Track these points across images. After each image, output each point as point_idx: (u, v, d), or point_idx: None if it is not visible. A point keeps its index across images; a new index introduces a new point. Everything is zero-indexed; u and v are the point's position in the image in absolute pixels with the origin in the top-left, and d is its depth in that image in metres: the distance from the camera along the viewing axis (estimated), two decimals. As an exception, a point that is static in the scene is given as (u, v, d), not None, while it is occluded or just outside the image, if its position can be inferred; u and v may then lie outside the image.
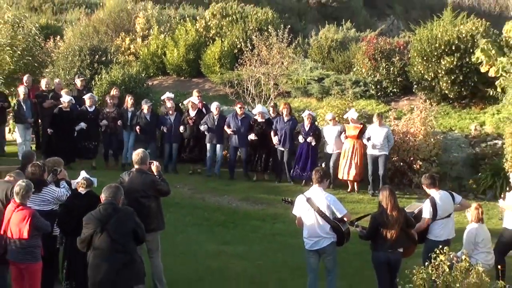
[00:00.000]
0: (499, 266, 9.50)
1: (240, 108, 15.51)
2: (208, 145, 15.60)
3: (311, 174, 14.20)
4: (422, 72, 16.45)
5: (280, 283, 10.06)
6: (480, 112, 16.18)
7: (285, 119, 15.04)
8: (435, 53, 16.22)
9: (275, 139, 14.94)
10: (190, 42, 20.72)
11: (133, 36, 22.24)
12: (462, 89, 16.23)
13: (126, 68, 18.89)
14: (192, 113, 15.68)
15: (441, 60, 16.09)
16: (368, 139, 14.17)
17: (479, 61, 14.69)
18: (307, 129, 14.68)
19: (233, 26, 21.20)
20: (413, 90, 17.19)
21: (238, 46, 19.34)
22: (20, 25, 20.24)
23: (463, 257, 8.88)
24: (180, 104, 16.76)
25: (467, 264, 8.63)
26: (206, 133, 15.39)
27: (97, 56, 18.96)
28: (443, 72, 16.08)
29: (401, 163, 14.65)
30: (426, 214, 9.39)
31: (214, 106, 15.58)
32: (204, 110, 16.14)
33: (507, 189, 10.45)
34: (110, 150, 16.25)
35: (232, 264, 10.77)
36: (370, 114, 16.56)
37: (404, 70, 17.19)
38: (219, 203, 14.25)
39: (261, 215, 13.44)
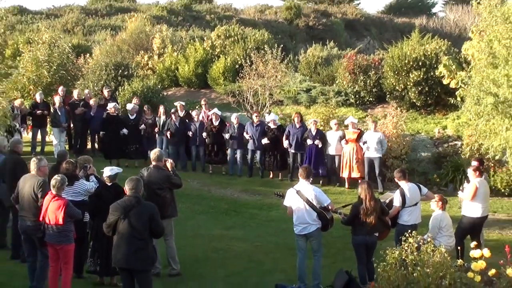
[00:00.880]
0: (458, 248, 9.47)
1: (256, 116, 15.51)
2: (229, 150, 15.59)
3: (318, 172, 14.35)
4: (394, 84, 16.46)
5: (274, 261, 10.04)
6: (443, 117, 16.23)
7: (297, 125, 14.90)
8: (405, 68, 16.24)
9: (285, 143, 14.83)
10: (198, 58, 20.71)
11: (151, 54, 22.25)
12: (428, 98, 16.29)
13: (145, 80, 18.90)
14: (216, 122, 15.63)
15: (410, 74, 16.12)
16: (364, 142, 14.11)
17: (442, 74, 14.64)
18: (314, 133, 14.54)
19: (234, 46, 21.20)
20: (386, 99, 17.16)
21: (239, 62, 19.31)
22: (56, 44, 20.23)
23: (429, 239, 8.83)
24: (190, 111, 16.70)
25: (432, 246, 8.59)
26: (229, 139, 15.40)
27: (120, 71, 18.98)
28: (411, 84, 16.11)
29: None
30: (397, 202, 9.42)
31: (233, 117, 15.67)
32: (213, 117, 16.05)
33: (465, 182, 10.40)
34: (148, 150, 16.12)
35: (233, 245, 10.80)
36: (346, 117, 16.58)
37: (379, 82, 17.17)
38: (223, 194, 14.26)
39: (258, 205, 13.46)
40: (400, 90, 16.37)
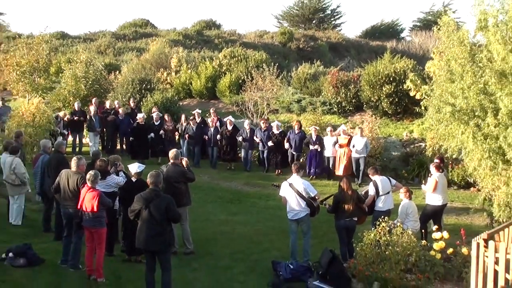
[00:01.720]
0: (422, 231, 9.48)
1: (263, 123, 15.46)
2: (243, 151, 15.56)
3: (317, 171, 14.23)
4: (370, 95, 16.45)
5: (271, 242, 10.05)
6: (410, 123, 16.21)
7: (296, 131, 14.87)
8: (379, 83, 16.23)
9: (286, 145, 14.84)
10: (208, 75, 20.70)
11: (169, 71, 22.25)
12: (397, 108, 16.29)
13: (164, 93, 18.88)
14: (229, 127, 15.63)
15: (383, 87, 16.11)
16: (353, 146, 14.07)
17: (409, 88, 14.67)
18: (314, 139, 14.50)
19: (238, 64, 21.20)
20: (363, 108, 17.12)
21: (242, 78, 19.24)
22: (91, 63, 20.27)
23: (398, 224, 8.87)
24: (206, 119, 16.66)
25: (401, 229, 8.60)
26: (242, 142, 15.39)
27: (144, 85, 18.97)
28: (384, 96, 16.11)
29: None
30: (371, 192, 9.49)
31: (246, 124, 15.70)
32: (218, 122, 16.04)
33: (428, 176, 10.41)
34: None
35: (237, 229, 10.80)
36: (334, 124, 16.53)
37: (357, 94, 17.14)
38: (229, 186, 14.25)
39: (257, 195, 13.45)
40: (374, 100, 16.39)
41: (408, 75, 15.44)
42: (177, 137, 16.23)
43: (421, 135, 15.01)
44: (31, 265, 8.10)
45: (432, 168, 10.14)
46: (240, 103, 18.34)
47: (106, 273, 7.91)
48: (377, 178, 9.53)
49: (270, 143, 15.06)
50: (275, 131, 15.27)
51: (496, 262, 7.46)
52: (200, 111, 16.69)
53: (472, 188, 12.67)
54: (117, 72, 21.82)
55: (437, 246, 8.57)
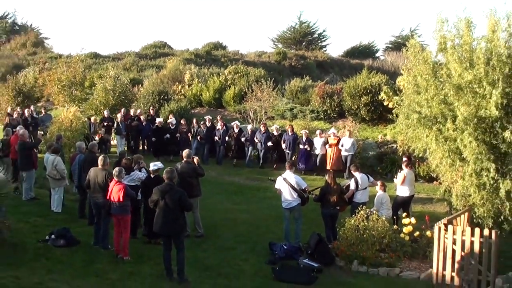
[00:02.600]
0: (394, 217, 9.47)
1: (263, 126, 15.41)
2: (246, 149, 15.48)
3: (306, 167, 14.20)
4: (350, 104, 16.36)
5: (267, 226, 10.03)
6: (384, 128, 16.10)
7: (289, 133, 14.78)
8: (358, 94, 16.15)
9: (283, 145, 14.78)
10: (216, 87, 20.59)
11: (183, 84, 22.13)
12: (373, 115, 16.17)
13: (179, 102, 18.86)
14: (236, 130, 15.66)
15: (361, 98, 16.02)
16: (342, 145, 14.02)
17: (383, 98, 14.61)
18: (304, 140, 14.45)
19: (241, 79, 21.11)
20: (345, 115, 17.04)
21: (244, 90, 19.20)
22: (118, 78, 20.23)
23: (374, 212, 8.86)
24: (214, 123, 16.60)
25: (376, 216, 8.61)
26: (245, 142, 15.34)
27: (162, 96, 18.99)
28: (362, 105, 16.02)
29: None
30: (352, 186, 9.43)
31: (248, 127, 15.66)
32: (225, 127, 16.02)
33: (399, 172, 10.37)
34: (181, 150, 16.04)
35: (239, 216, 10.76)
36: (321, 128, 16.48)
37: (340, 104, 17.06)
38: (232, 180, 14.18)
39: (257, 187, 13.37)
40: (354, 109, 16.29)
41: (382, 88, 15.36)
42: (190, 138, 16.18)
43: (393, 138, 14.93)
44: (69, 245, 8.12)
45: (403, 165, 10.13)
46: (242, 111, 18.34)
47: (131, 252, 7.93)
48: (357, 175, 9.51)
49: (269, 143, 15.02)
50: (275, 133, 15.27)
51: (454, 243, 7.49)
52: (210, 117, 16.67)
53: (435, 182, 12.66)
54: (140, 85, 21.80)
55: (406, 230, 8.58)
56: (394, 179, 10.35)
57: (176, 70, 23.36)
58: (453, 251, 7.45)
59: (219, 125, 15.91)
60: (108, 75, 20.17)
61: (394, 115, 9.70)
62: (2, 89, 21.96)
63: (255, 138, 15.27)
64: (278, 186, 8.99)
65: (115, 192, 7.72)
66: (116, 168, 7.93)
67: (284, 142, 14.85)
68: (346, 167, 13.94)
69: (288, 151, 14.80)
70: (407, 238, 8.51)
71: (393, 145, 14.77)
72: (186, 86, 21.95)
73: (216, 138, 15.68)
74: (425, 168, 12.86)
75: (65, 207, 10.24)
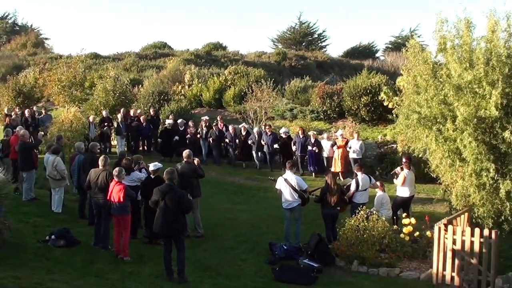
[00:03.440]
0: (394, 217, 9.48)
1: (268, 129, 15.36)
2: (253, 152, 15.38)
3: (315, 169, 14.15)
4: (350, 105, 16.35)
5: (268, 227, 10.05)
6: (384, 128, 16.10)
7: (300, 136, 14.66)
8: (358, 94, 16.14)
9: (294, 147, 14.68)
10: (216, 88, 20.58)
11: (183, 85, 22.10)
12: (373, 115, 16.16)
13: (179, 103, 18.80)
14: (243, 132, 15.66)
15: (361, 98, 16.00)
16: (350, 147, 13.93)
17: (383, 99, 14.64)
18: (313, 142, 14.35)
19: (241, 79, 21.10)
20: (345, 115, 17.01)
21: (244, 90, 19.20)
22: (118, 78, 20.27)
23: (374, 212, 8.86)
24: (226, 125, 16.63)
25: (376, 216, 8.61)
26: (252, 145, 15.30)
27: (162, 96, 18.93)
28: (362, 105, 16.00)
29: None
30: (353, 187, 9.42)
31: (255, 130, 15.60)
32: (224, 128, 15.99)
33: (396, 171, 10.36)
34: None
35: (240, 216, 10.79)
36: (320, 129, 16.48)
37: (340, 104, 17.04)
38: (233, 181, 14.21)
39: (257, 188, 13.39)
40: (354, 109, 16.28)
41: (382, 88, 15.40)
42: (201, 140, 16.06)
43: (393, 138, 14.94)
44: (70, 245, 8.11)
45: (402, 165, 10.13)
46: (242, 111, 18.34)
47: (131, 252, 7.92)
48: (359, 176, 9.50)
49: (276, 146, 14.90)
50: (283, 135, 15.11)
51: (454, 243, 7.49)
52: (220, 117, 16.73)
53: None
54: (140, 85, 21.78)
55: (406, 230, 8.58)
56: (394, 180, 10.34)
57: (176, 71, 23.34)
58: (453, 251, 7.45)
59: (230, 128, 15.91)
60: (108, 76, 20.16)
61: (394, 115, 9.71)
62: (2, 89, 21.98)
63: (261, 141, 15.17)
64: (279, 186, 8.99)
65: (116, 193, 7.72)
66: (116, 169, 7.92)
67: (294, 145, 14.75)
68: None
69: (299, 154, 14.69)
70: (407, 238, 8.51)
71: (393, 145, 14.76)
72: (186, 87, 21.93)
73: (227, 140, 15.68)
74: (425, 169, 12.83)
75: (65, 208, 10.23)
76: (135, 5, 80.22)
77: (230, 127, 15.96)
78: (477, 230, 7.31)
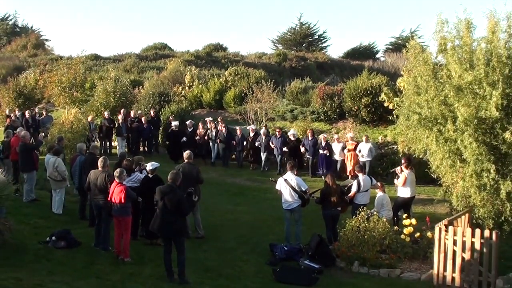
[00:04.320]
0: (395, 218, 9.46)
1: (278, 132, 15.29)
2: (262, 154, 15.33)
3: (327, 172, 13.88)
4: (351, 106, 16.34)
5: (268, 227, 10.04)
6: (384, 129, 16.10)
7: (310, 138, 14.62)
8: (358, 95, 16.13)
9: (302, 149, 14.62)
10: (216, 89, 20.61)
11: (183, 86, 22.13)
12: (374, 116, 16.16)
13: (179, 104, 18.79)
14: (251, 134, 15.68)
15: (362, 99, 16.00)
16: (359, 151, 13.85)
17: (383, 99, 14.64)
18: (323, 145, 14.29)
19: (241, 80, 21.12)
20: (346, 116, 17.02)
21: (244, 91, 19.23)
22: (119, 80, 20.28)
23: (375, 213, 8.86)
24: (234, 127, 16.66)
25: (377, 217, 8.61)
26: (260, 147, 15.25)
27: (162, 98, 18.91)
28: (362, 106, 16.00)
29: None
30: (354, 188, 9.41)
31: (262, 131, 15.53)
32: (224, 129, 16.00)
33: (396, 171, 10.37)
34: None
35: (240, 217, 10.78)
36: (321, 130, 16.48)
37: (340, 105, 17.04)
38: (233, 182, 14.20)
39: (257, 189, 13.39)
40: (355, 110, 16.29)
41: (383, 89, 15.39)
42: (210, 142, 16.04)
43: (394, 139, 14.94)
44: (70, 247, 8.11)
45: (402, 166, 10.13)
46: (242, 112, 18.35)
47: (132, 253, 7.92)
48: (361, 177, 9.50)
49: (285, 149, 14.82)
50: (292, 138, 15.01)
51: (455, 244, 7.49)
52: (221, 118, 16.71)
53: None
54: (140, 87, 21.77)
55: (406, 231, 8.57)
56: (395, 181, 10.34)
57: (177, 72, 23.37)
58: (454, 252, 7.44)
59: (238, 129, 15.90)
60: (108, 77, 20.20)
61: (395, 116, 9.71)
62: (3, 91, 22.02)
63: (270, 143, 15.09)
64: (279, 187, 8.99)
65: (116, 194, 7.72)
66: (117, 170, 7.91)
67: (303, 146, 14.70)
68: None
69: (309, 156, 14.65)
70: (407, 239, 8.50)
71: (393, 146, 14.76)
72: (187, 88, 21.95)
73: (234, 142, 15.68)
74: (425, 170, 12.83)
75: (66, 209, 10.23)
76: (136, 7, 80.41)
77: (238, 129, 15.94)
78: (477, 231, 7.31)
